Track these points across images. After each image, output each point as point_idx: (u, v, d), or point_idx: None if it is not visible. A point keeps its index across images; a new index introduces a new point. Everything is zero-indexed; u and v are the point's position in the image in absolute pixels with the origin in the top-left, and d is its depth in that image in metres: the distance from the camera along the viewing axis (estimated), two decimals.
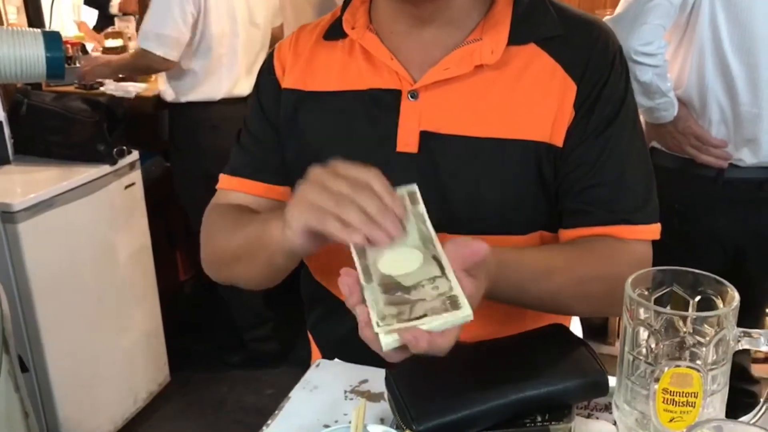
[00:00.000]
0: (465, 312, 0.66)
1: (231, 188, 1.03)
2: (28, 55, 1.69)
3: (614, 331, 2.81)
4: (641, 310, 0.71)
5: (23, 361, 1.91)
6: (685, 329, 0.70)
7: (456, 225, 0.88)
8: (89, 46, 3.21)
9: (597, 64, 0.89)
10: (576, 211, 0.92)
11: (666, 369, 0.67)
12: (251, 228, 0.90)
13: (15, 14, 3.00)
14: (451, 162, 0.89)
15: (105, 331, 2.32)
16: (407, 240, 0.74)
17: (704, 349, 0.68)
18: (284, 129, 0.99)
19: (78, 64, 2.91)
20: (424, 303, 0.67)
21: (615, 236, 0.90)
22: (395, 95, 0.91)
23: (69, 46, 2.97)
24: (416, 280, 0.70)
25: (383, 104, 0.92)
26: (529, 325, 0.93)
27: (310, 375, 0.92)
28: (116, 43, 3.21)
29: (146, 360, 2.55)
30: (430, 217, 0.76)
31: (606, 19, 1.70)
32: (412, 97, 0.91)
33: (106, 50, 3.19)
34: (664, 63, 1.63)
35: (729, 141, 1.69)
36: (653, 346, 0.70)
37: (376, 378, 0.89)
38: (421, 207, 0.77)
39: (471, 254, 0.71)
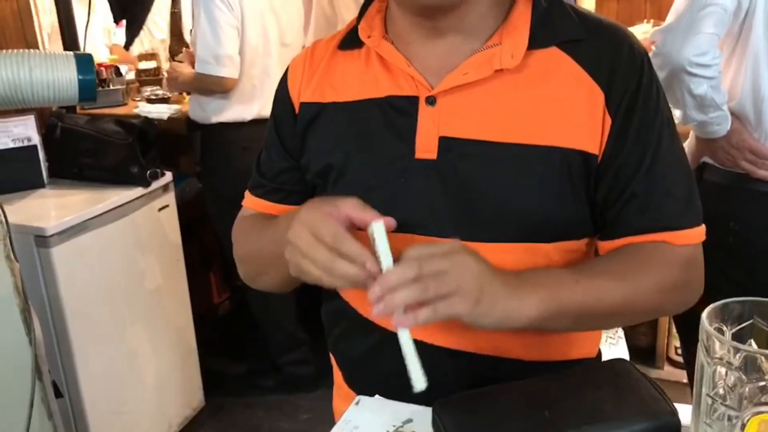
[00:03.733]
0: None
1: (250, 206, 1.06)
2: (60, 79, 1.68)
3: (663, 354, 2.71)
4: (717, 346, 0.63)
5: (57, 387, 1.89)
6: None
7: (479, 233, 0.86)
8: (123, 69, 3.22)
9: (625, 70, 0.86)
10: (619, 220, 0.88)
11: (750, 416, 0.60)
12: (269, 230, 0.94)
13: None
14: (471, 167, 0.86)
15: (138, 355, 2.30)
16: None
17: None
18: (302, 146, 0.98)
19: (111, 87, 2.93)
20: None
21: (658, 242, 0.86)
22: (412, 102, 0.89)
23: (103, 68, 2.98)
24: None
25: (401, 111, 0.90)
26: (558, 340, 0.93)
27: (350, 414, 0.86)
28: (150, 65, 3.22)
29: (180, 384, 2.52)
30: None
31: (656, 29, 1.62)
32: (429, 103, 0.88)
33: (140, 72, 3.20)
34: (718, 74, 1.54)
35: None
36: (732, 386, 0.63)
37: (421, 417, 0.83)
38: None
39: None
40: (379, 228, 0.75)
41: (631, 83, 0.85)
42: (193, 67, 2.47)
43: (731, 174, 1.67)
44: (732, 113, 1.62)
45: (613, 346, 1.88)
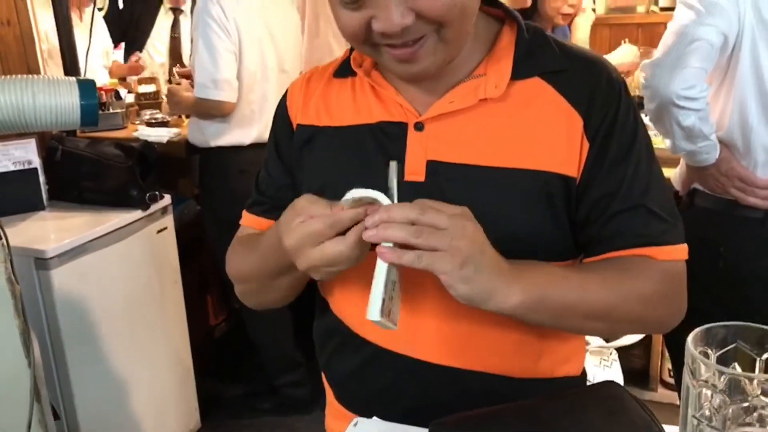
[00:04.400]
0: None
1: (248, 224, 1.09)
2: (63, 104, 1.71)
3: (656, 376, 2.72)
4: (703, 369, 0.66)
5: (54, 409, 1.90)
6: (752, 390, 0.65)
7: None
8: (122, 92, 3.25)
9: (603, 97, 0.90)
10: (603, 238, 0.92)
11: None
12: (261, 244, 0.97)
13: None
14: (457, 189, 0.90)
15: (135, 377, 2.30)
16: None
17: None
18: (298, 163, 1.02)
19: (110, 110, 2.96)
20: None
21: (642, 256, 0.90)
22: (402, 127, 0.93)
23: (103, 92, 3.02)
24: None
25: (391, 136, 0.94)
26: (545, 357, 0.95)
27: None
28: (149, 88, 3.25)
29: (177, 406, 2.52)
30: None
31: (646, 63, 1.66)
32: (417, 129, 0.92)
33: (140, 95, 3.23)
34: (706, 106, 1.58)
35: None
36: (717, 408, 0.65)
37: None
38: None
39: None
40: (392, 167, 0.79)
41: (609, 110, 0.90)
42: (192, 87, 2.50)
43: (721, 200, 1.70)
44: (721, 142, 1.66)
45: (608, 368, 1.90)
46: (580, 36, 2.82)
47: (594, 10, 4.18)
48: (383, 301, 0.75)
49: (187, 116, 2.74)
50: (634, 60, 2.63)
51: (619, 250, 0.90)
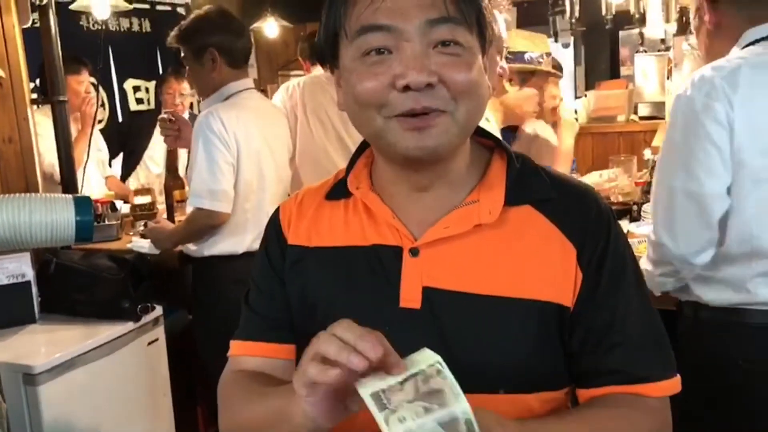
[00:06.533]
0: None
1: (241, 353, 1.05)
2: (59, 221, 1.74)
3: None
4: None
5: None
6: None
7: (462, 383, 0.87)
8: (118, 204, 3.30)
9: (595, 228, 0.93)
10: (593, 372, 0.92)
11: None
12: (270, 401, 0.89)
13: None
14: (453, 318, 0.90)
15: None
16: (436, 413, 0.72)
17: None
18: (288, 284, 1.02)
19: (106, 222, 3.00)
20: None
21: (635, 394, 0.90)
22: (397, 252, 0.94)
23: (99, 204, 3.06)
24: None
25: (385, 260, 0.94)
26: None
27: None
28: (145, 199, 3.30)
29: None
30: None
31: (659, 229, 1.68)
32: (413, 254, 0.93)
33: (135, 207, 3.28)
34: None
35: None
36: None
37: None
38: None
39: None
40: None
41: (600, 240, 0.92)
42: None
43: (723, 310, 1.64)
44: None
45: None
46: (566, 146, 2.92)
47: (576, 119, 4.35)
48: None
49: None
50: (612, 178, 2.87)
51: (614, 385, 0.91)
